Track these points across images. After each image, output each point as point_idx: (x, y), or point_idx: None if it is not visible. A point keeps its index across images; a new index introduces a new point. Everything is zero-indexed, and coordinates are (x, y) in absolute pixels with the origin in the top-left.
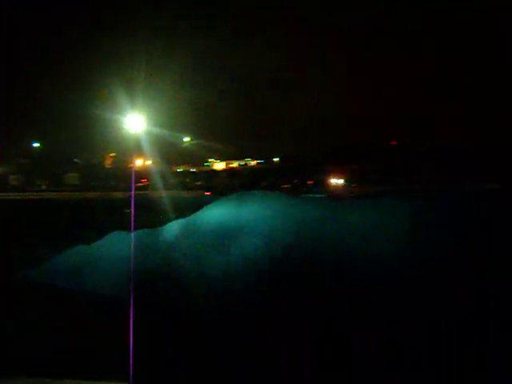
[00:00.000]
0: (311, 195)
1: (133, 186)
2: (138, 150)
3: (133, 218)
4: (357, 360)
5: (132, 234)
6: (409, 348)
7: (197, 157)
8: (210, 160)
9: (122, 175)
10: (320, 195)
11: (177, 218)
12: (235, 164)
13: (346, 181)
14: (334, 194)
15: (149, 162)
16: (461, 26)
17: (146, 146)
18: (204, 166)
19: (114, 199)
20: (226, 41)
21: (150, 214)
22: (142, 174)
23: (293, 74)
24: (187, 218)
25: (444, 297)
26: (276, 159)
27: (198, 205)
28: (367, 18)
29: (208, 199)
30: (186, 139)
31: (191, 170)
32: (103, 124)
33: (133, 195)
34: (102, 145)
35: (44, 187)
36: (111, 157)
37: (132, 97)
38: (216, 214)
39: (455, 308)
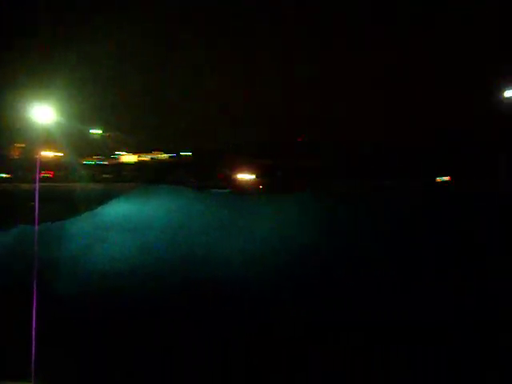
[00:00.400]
0: (217, 190)
1: (38, 178)
2: (47, 141)
3: (37, 212)
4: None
5: (36, 228)
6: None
7: (107, 149)
8: (118, 153)
9: (30, 166)
10: (226, 190)
11: (84, 211)
12: (147, 157)
13: (255, 176)
14: (242, 190)
15: (58, 154)
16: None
17: (55, 137)
18: (112, 158)
19: (20, 191)
20: (137, 33)
21: (57, 207)
22: (50, 165)
23: (204, 70)
24: (94, 212)
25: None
26: (186, 153)
27: (107, 197)
28: None
29: (116, 192)
30: (97, 131)
31: (100, 162)
32: (11, 114)
33: (37, 187)
34: (9, 135)
35: None
36: (19, 147)
37: (41, 88)
38: (123, 207)
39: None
